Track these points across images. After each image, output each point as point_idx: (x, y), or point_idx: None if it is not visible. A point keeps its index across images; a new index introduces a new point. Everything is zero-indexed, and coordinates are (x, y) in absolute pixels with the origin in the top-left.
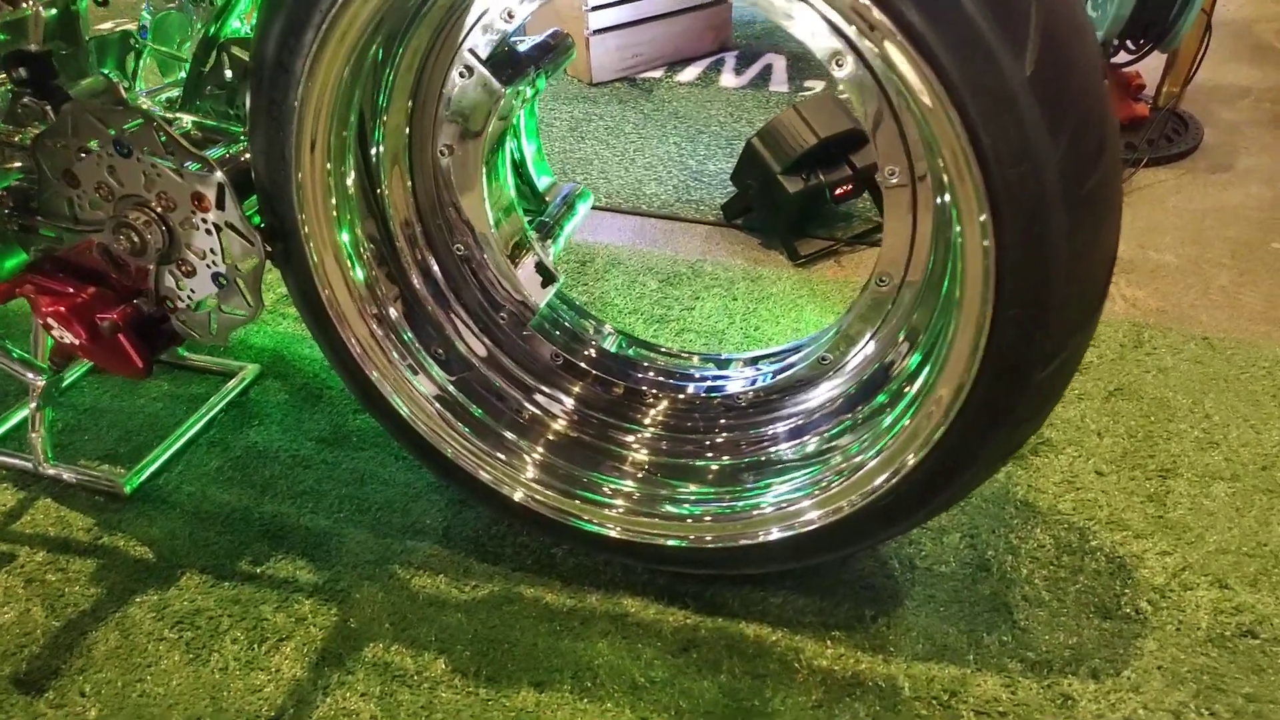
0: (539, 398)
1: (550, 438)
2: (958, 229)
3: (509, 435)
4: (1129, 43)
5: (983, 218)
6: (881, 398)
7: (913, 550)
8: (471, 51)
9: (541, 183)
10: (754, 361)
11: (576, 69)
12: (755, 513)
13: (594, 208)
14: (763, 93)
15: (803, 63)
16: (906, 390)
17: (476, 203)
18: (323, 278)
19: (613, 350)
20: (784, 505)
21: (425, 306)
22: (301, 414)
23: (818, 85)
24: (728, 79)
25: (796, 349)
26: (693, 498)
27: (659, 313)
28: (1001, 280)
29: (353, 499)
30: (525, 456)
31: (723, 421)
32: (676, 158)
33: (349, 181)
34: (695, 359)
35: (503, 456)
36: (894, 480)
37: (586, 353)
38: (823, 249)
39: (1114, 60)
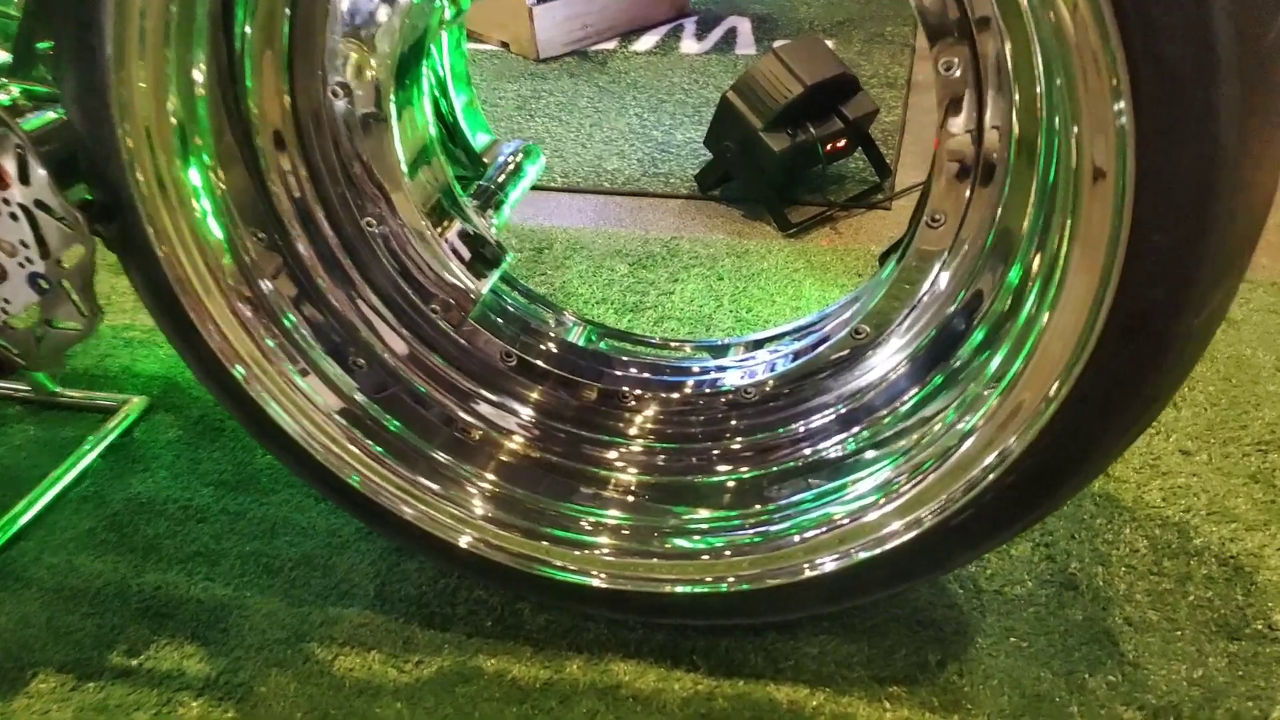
0: (485, 408)
1: (504, 461)
2: (1064, 123)
3: (445, 459)
4: None
5: (1118, 104)
6: (958, 362)
7: (974, 568)
8: None
9: (478, 141)
10: (759, 345)
11: (520, 45)
12: (797, 538)
13: (550, 188)
14: (728, 57)
15: (769, 24)
16: (998, 349)
17: (387, 160)
18: (159, 227)
19: (580, 344)
20: (837, 524)
21: (320, 288)
22: (198, 452)
23: None
24: (689, 45)
25: (817, 323)
26: (704, 526)
27: (632, 300)
28: (1144, 190)
29: (260, 557)
30: (471, 487)
31: (734, 423)
32: (639, 130)
33: (199, 83)
34: (686, 348)
35: (438, 488)
36: (996, 472)
37: (545, 349)
38: (816, 216)
39: None
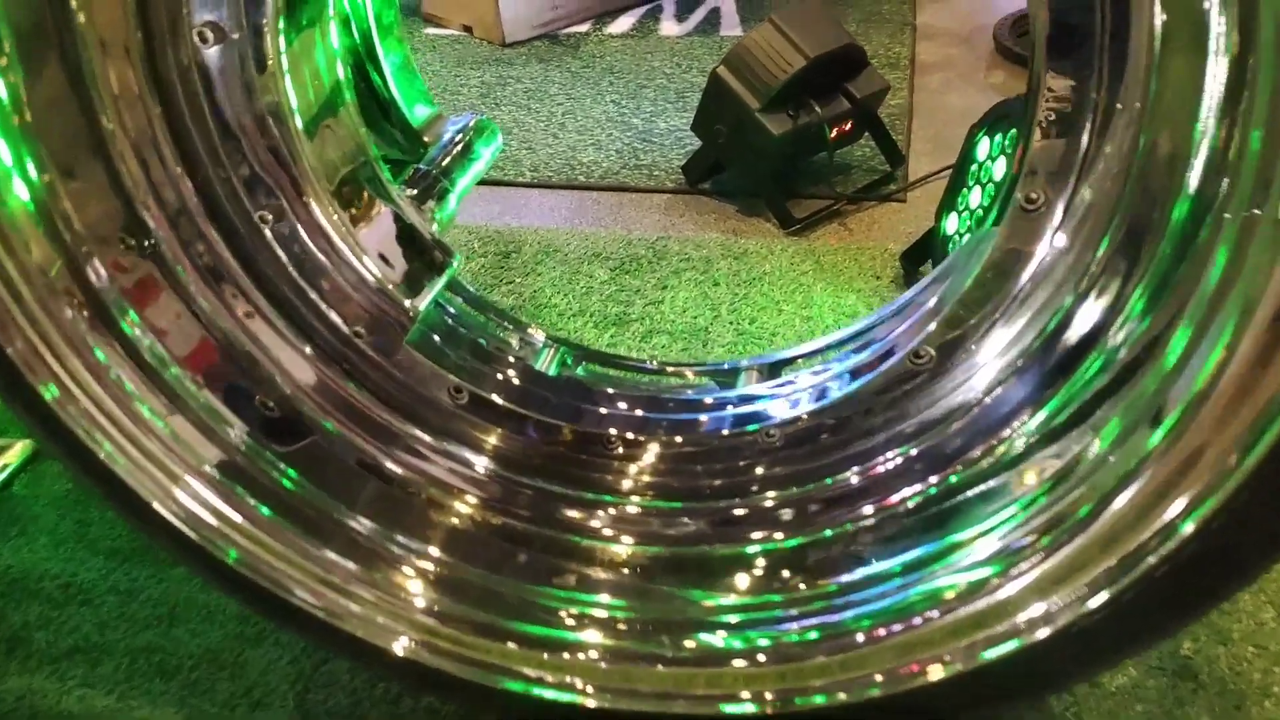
0: (427, 459)
1: (453, 529)
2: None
3: (369, 528)
4: None
5: None
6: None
7: None
8: None
9: (416, 114)
10: (780, 368)
11: (484, 29)
12: (862, 636)
13: (518, 184)
14: (712, 39)
15: (754, 3)
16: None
17: (281, 131)
18: None
19: (551, 372)
20: (933, 610)
21: (194, 301)
22: (89, 512)
23: None
24: (668, 27)
25: (863, 335)
26: (734, 618)
27: (615, 311)
28: None
29: (153, 654)
30: (407, 566)
31: (761, 471)
32: (617, 117)
33: None
34: (687, 373)
35: (358, 568)
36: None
37: (506, 380)
38: (822, 210)
39: None
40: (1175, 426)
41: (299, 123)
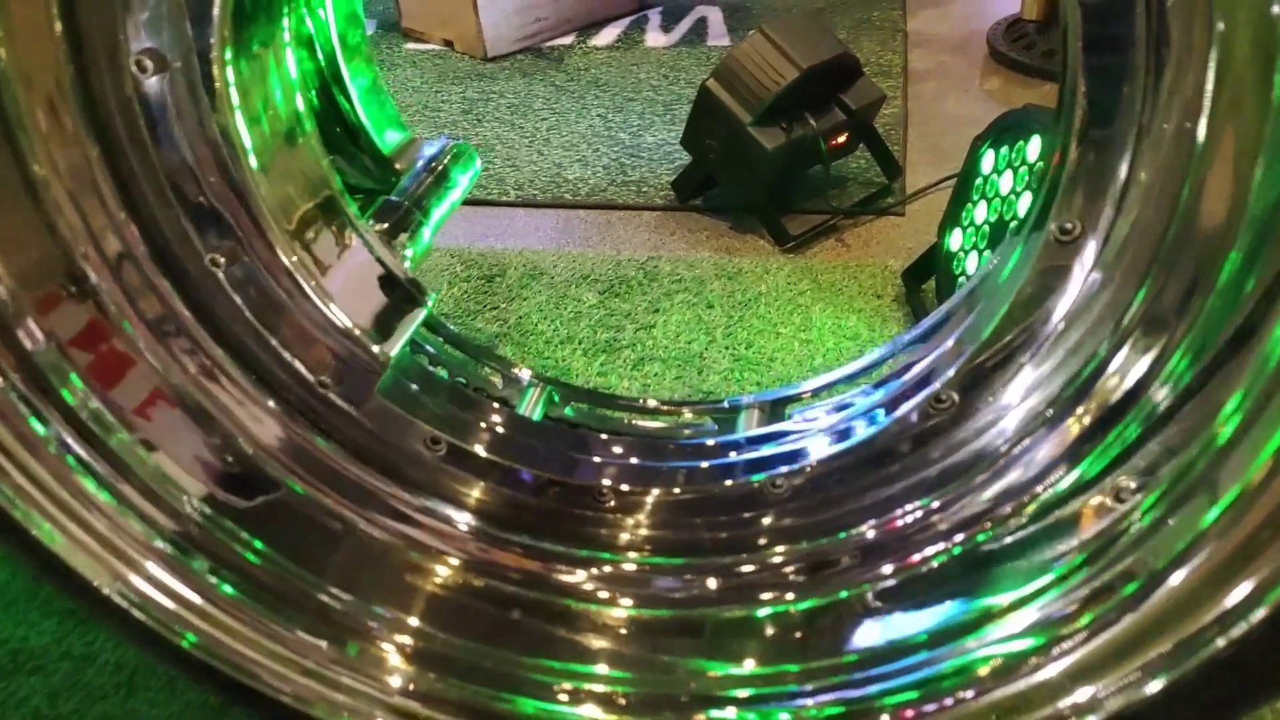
0: (404, 523)
1: (434, 596)
2: None
3: (343, 600)
4: None
5: None
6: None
7: None
8: None
9: (388, 140)
10: (783, 405)
11: (465, 43)
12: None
13: (502, 203)
14: (699, 49)
15: (741, 13)
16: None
17: (231, 165)
18: None
19: (536, 417)
20: (967, 689)
21: (139, 352)
22: None
23: None
24: (654, 38)
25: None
26: (745, 692)
27: (604, 337)
28: None
29: None
30: (384, 641)
31: (768, 522)
32: (603, 132)
33: None
34: (686, 412)
35: (330, 647)
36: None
37: (489, 428)
38: (819, 225)
39: None
40: (1234, 505)
41: (253, 159)
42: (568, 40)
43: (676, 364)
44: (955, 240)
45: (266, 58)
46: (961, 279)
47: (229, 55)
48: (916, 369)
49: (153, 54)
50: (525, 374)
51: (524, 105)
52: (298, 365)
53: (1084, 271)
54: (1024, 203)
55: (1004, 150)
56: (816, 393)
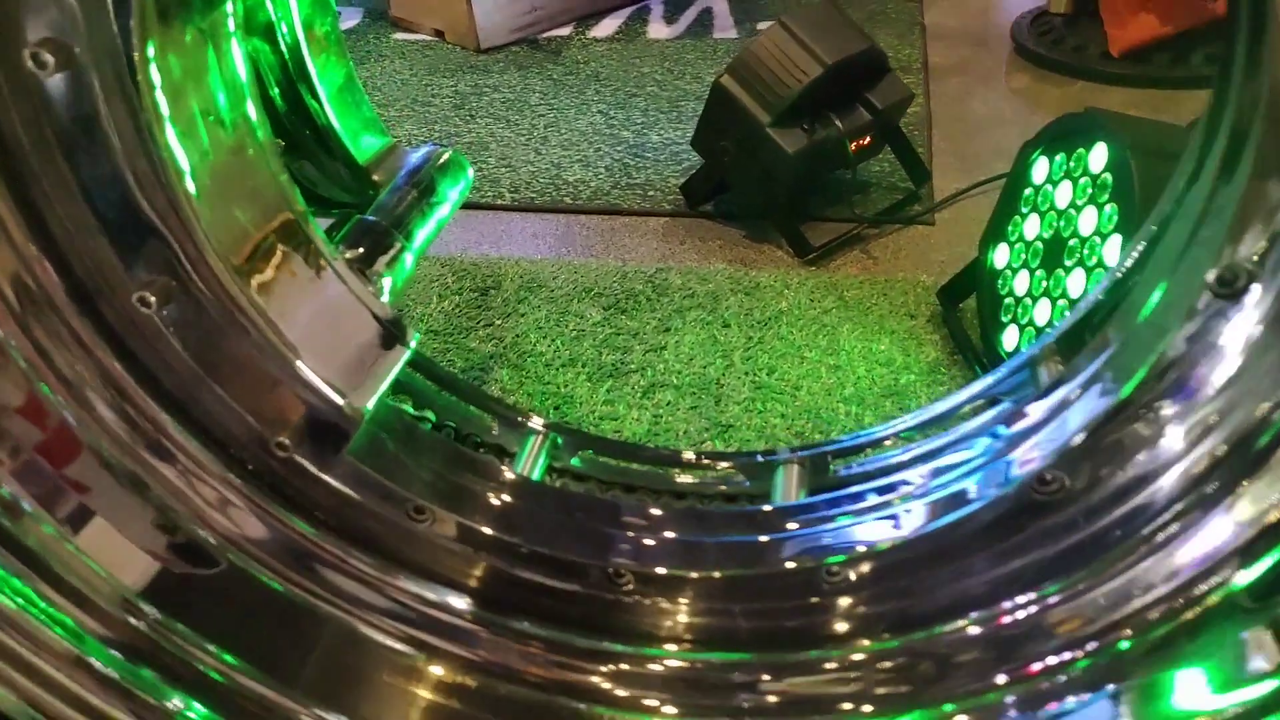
0: (388, 616)
1: (425, 707)
2: None
3: (313, 714)
4: None
5: None
6: None
7: None
8: None
9: (364, 146)
10: (825, 462)
11: (457, 33)
12: None
13: (497, 206)
14: (705, 42)
15: (749, 3)
16: None
17: (166, 187)
18: None
19: (537, 474)
20: None
21: (52, 411)
22: None
23: None
24: (657, 29)
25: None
26: None
27: (610, 360)
28: None
29: None
30: None
31: (836, 611)
32: (605, 130)
33: None
34: (720, 465)
35: None
36: None
37: (482, 491)
38: (842, 235)
39: None
40: None
41: (188, 178)
42: (565, 31)
43: (691, 391)
44: (1000, 256)
45: (203, 52)
46: (1009, 299)
47: (152, 49)
48: (1004, 438)
49: (54, 45)
50: (528, 421)
51: (520, 100)
52: (252, 423)
53: (1245, 329)
54: (1087, 219)
55: (1059, 158)
56: (867, 447)
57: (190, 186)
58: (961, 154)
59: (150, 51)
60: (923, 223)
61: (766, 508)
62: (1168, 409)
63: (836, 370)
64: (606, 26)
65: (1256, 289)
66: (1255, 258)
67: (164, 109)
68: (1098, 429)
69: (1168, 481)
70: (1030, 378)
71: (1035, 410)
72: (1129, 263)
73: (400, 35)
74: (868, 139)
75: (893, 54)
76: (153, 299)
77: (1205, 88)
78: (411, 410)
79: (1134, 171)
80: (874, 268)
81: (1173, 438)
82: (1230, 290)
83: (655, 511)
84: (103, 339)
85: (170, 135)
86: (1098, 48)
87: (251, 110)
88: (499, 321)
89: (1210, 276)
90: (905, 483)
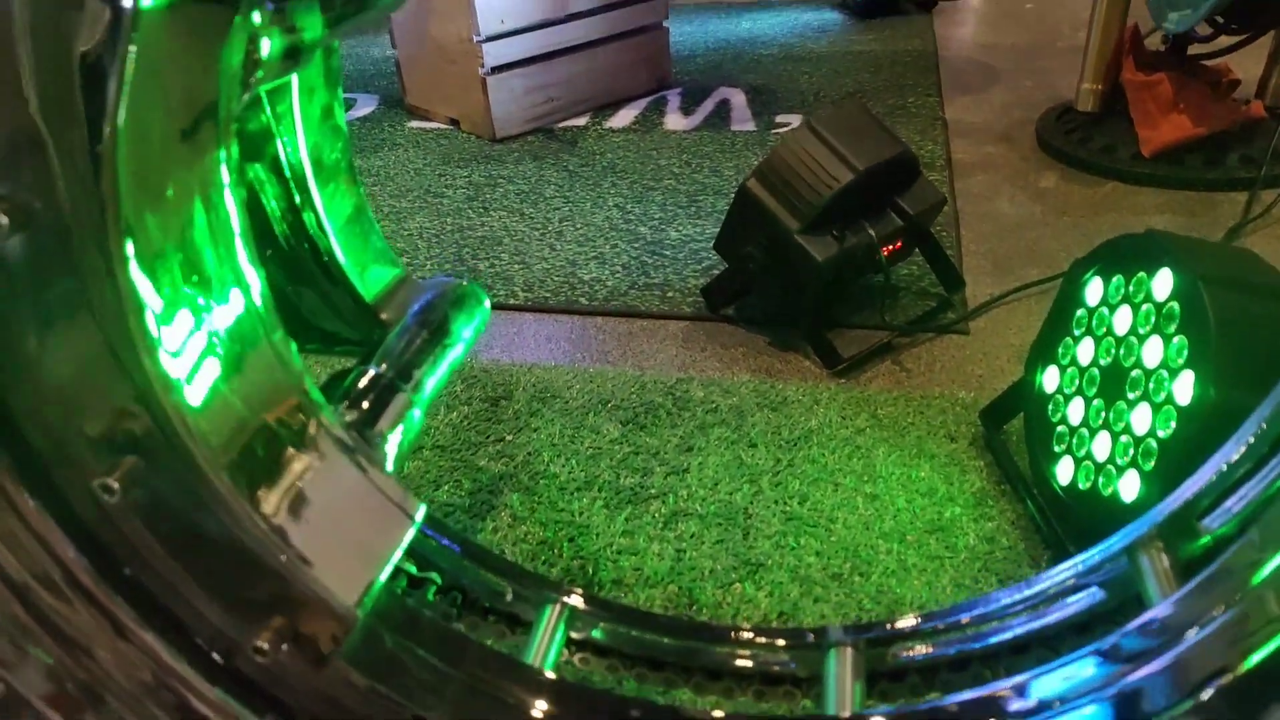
0: None
1: None
2: None
3: None
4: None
5: None
6: None
7: None
8: None
9: (372, 280)
10: (885, 646)
11: (472, 122)
12: None
13: (510, 306)
14: (723, 134)
15: (765, 95)
16: None
17: (129, 347)
18: None
19: (556, 644)
20: None
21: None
22: None
23: (794, 119)
24: (674, 120)
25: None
26: None
27: (629, 483)
28: None
29: None
30: None
31: None
32: (622, 225)
33: None
34: (749, 637)
35: None
36: None
37: (493, 694)
38: (873, 347)
39: (1193, 51)
40: None
41: (161, 350)
42: (581, 121)
43: (716, 522)
44: (1051, 380)
45: (189, 207)
46: (1062, 427)
47: (127, 208)
48: (1105, 645)
49: (10, 203)
50: (543, 587)
51: (534, 192)
52: (228, 623)
53: None
54: (1151, 349)
55: (1116, 280)
56: (934, 631)
57: (163, 358)
58: (992, 256)
59: (124, 209)
60: (957, 331)
61: (846, 716)
62: None
63: (874, 500)
64: (623, 117)
65: None
66: None
67: (134, 278)
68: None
69: None
70: (1130, 566)
71: (1144, 627)
72: (1237, 453)
73: (415, 123)
74: (898, 243)
75: (915, 150)
76: (115, 485)
77: (1241, 190)
78: (415, 570)
79: (1207, 303)
80: (908, 381)
81: None
82: None
83: (717, 715)
84: (58, 524)
85: (146, 298)
86: (1128, 148)
87: (250, 275)
88: (510, 437)
89: None
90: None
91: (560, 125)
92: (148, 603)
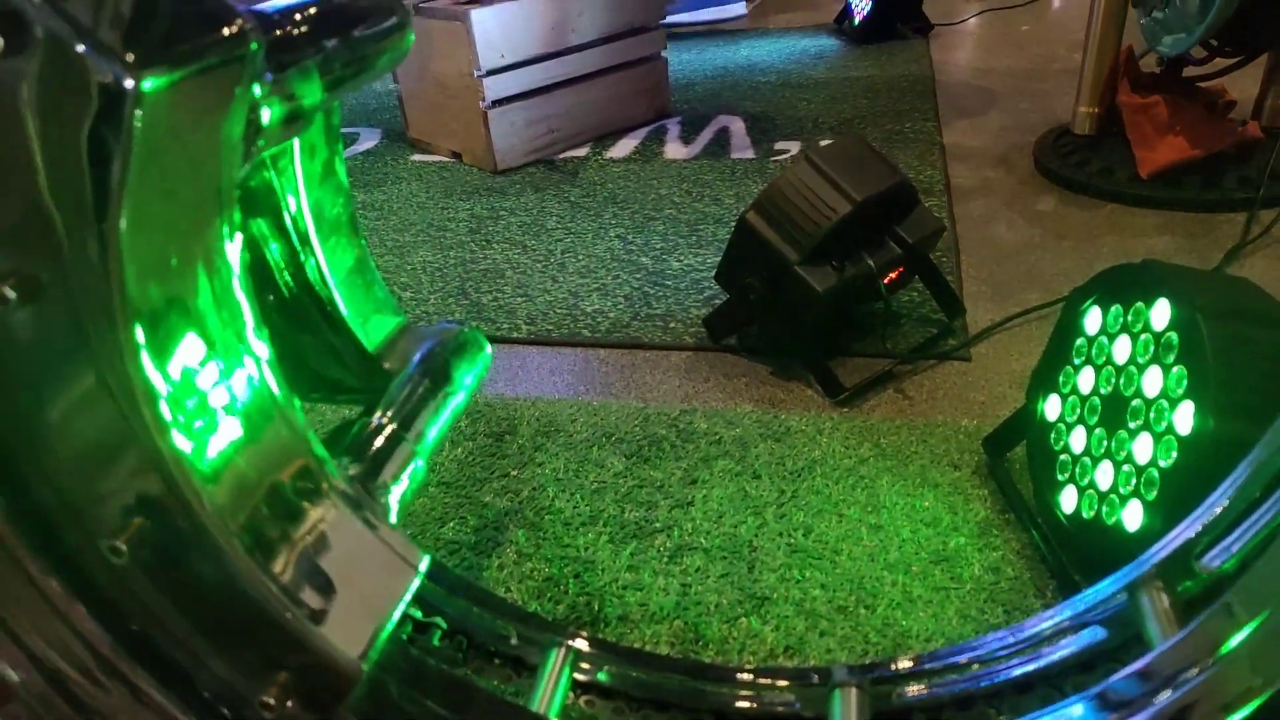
0: None
1: None
2: None
3: None
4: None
5: None
6: None
7: None
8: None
9: (373, 330)
10: (888, 687)
11: (474, 155)
12: None
13: (513, 340)
14: (722, 162)
15: (764, 123)
16: None
17: (136, 413)
18: None
19: (560, 693)
20: None
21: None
22: None
23: (793, 146)
24: (674, 150)
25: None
26: None
27: (634, 517)
28: None
29: None
30: None
31: None
32: (623, 256)
33: None
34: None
35: None
36: None
37: None
38: (875, 375)
39: (1188, 74)
40: None
41: (163, 407)
42: (582, 152)
43: (721, 555)
44: (1052, 408)
45: (194, 276)
46: (1064, 456)
47: (133, 287)
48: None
49: (19, 277)
50: (547, 631)
51: (536, 224)
52: (235, 678)
53: None
54: (1151, 379)
55: (1115, 309)
56: (937, 672)
57: (174, 435)
58: (993, 281)
59: (130, 289)
60: (959, 358)
61: None
62: None
63: (878, 531)
64: (623, 147)
65: None
66: None
67: (141, 344)
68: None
69: None
70: (1129, 605)
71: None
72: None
73: (418, 157)
74: (898, 271)
75: (914, 174)
76: (123, 548)
77: (1239, 210)
78: (420, 616)
79: (1205, 334)
80: (910, 409)
81: None
82: None
83: None
84: (68, 587)
85: (155, 384)
86: (1125, 170)
87: (253, 340)
88: (514, 472)
89: None
90: None
91: (561, 156)
92: (154, 658)
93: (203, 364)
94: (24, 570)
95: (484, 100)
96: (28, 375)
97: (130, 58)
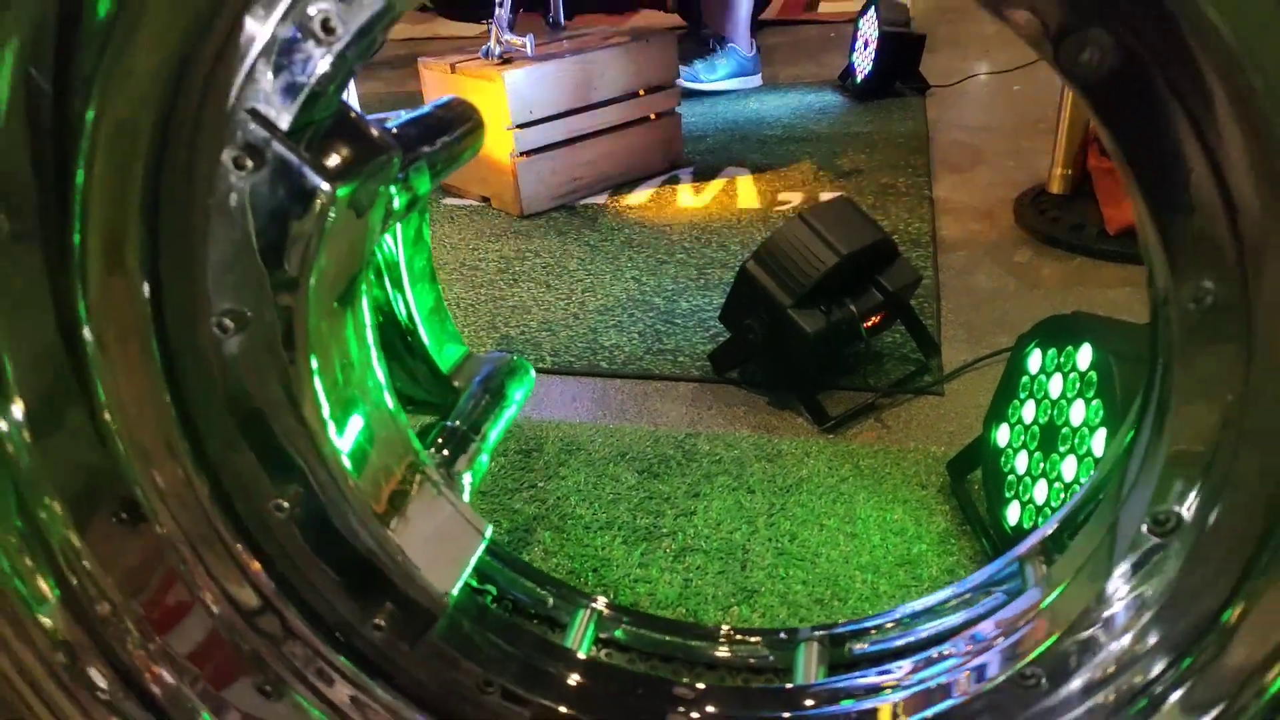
0: None
1: None
2: None
3: None
4: None
5: None
6: None
7: None
8: (255, 114)
9: (446, 356)
10: (843, 642)
11: (502, 200)
12: None
13: (539, 369)
14: (729, 211)
15: (771, 174)
16: None
17: (304, 416)
18: None
19: (586, 641)
20: None
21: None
22: None
23: (795, 198)
24: (686, 198)
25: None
26: None
27: (644, 523)
28: None
29: None
30: None
31: None
32: (638, 296)
33: None
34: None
35: None
36: None
37: (542, 667)
38: (858, 406)
39: None
40: None
41: (321, 405)
42: (601, 199)
43: (719, 556)
44: (1002, 436)
45: (348, 309)
46: (1011, 476)
47: (313, 314)
48: (992, 626)
49: (234, 314)
50: (577, 597)
51: (559, 265)
52: (355, 606)
53: (1179, 564)
54: (1076, 411)
55: (1051, 352)
56: (878, 629)
57: (330, 431)
58: (969, 325)
59: (309, 319)
60: (933, 393)
61: (789, 686)
62: (1120, 621)
63: (854, 538)
64: (639, 195)
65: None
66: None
67: (309, 357)
68: (1066, 634)
69: (1124, 682)
70: (1019, 571)
71: (1021, 607)
72: (1091, 483)
73: (449, 200)
74: (880, 316)
75: (904, 226)
76: (286, 504)
77: None
78: (475, 584)
79: (1115, 374)
80: (888, 436)
81: (1120, 649)
82: (1164, 530)
83: (700, 686)
84: (233, 532)
85: (318, 382)
86: (1094, 227)
87: (377, 368)
88: (541, 484)
89: (1145, 523)
90: (909, 669)
91: (582, 202)
92: (298, 599)
93: (348, 387)
94: (219, 534)
95: (514, 151)
96: (235, 386)
97: (330, 173)
